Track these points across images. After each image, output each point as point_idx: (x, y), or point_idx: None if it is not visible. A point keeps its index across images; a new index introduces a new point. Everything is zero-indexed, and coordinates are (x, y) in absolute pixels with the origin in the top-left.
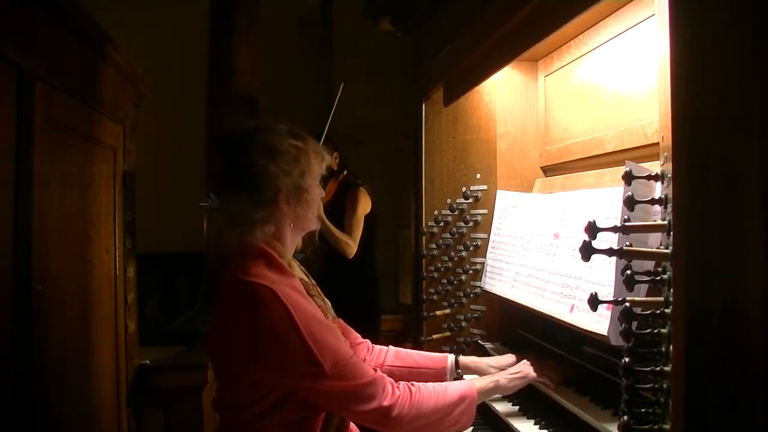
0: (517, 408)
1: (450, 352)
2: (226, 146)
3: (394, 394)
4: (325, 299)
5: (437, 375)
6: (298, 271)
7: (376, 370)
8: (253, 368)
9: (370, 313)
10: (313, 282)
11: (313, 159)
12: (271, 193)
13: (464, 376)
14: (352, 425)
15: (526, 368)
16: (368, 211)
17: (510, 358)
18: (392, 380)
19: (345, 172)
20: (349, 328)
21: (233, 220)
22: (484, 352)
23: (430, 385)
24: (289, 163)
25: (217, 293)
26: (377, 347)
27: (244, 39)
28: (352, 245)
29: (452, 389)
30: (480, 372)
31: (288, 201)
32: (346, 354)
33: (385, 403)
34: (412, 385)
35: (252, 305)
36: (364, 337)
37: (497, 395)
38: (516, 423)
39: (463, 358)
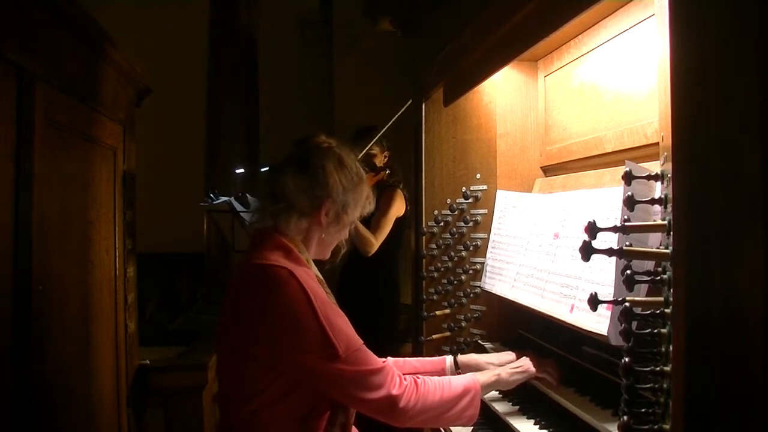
0: (517, 408)
1: (448, 352)
2: (305, 145)
3: (402, 384)
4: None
5: (437, 376)
6: (315, 268)
7: (384, 360)
8: (264, 349)
9: (389, 315)
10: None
11: (364, 199)
12: (323, 195)
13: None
14: (354, 428)
15: (526, 363)
16: (401, 214)
17: (509, 355)
18: (399, 372)
19: (387, 171)
20: None
21: (276, 196)
22: (483, 352)
23: (436, 378)
24: (349, 182)
25: (227, 286)
26: None
27: (245, 39)
28: (373, 244)
29: (456, 382)
30: (479, 369)
31: (329, 211)
32: (357, 340)
33: (394, 392)
34: (417, 377)
35: (268, 285)
36: (380, 340)
37: (497, 395)
38: (516, 423)
39: (461, 357)
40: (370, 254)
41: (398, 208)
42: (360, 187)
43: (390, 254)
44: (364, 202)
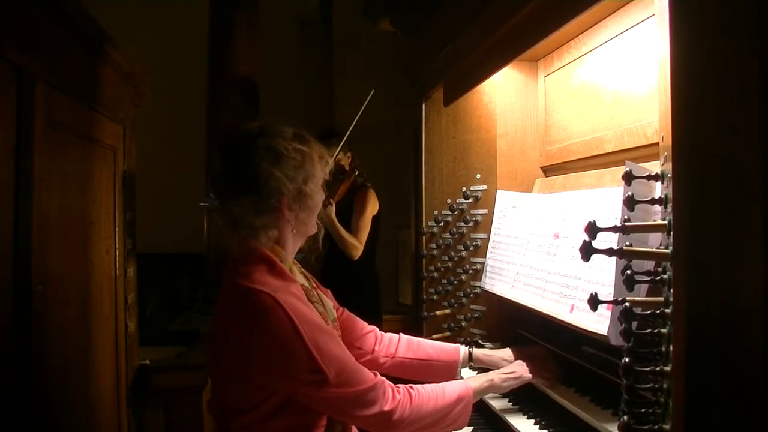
0: (517, 408)
1: (462, 344)
2: (229, 149)
3: (395, 398)
4: (326, 302)
5: (449, 368)
6: (300, 276)
7: (375, 375)
8: (254, 375)
9: (371, 312)
10: (314, 285)
11: (317, 164)
12: (275, 199)
13: (475, 370)
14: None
15: (520, 369)
16: (376, 212)
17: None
18: (392, 384)
19: (356, 173)
20: (356, 318)
21: (234, 226)
22: None
23: (429, 386)
24: (293, 168)
25: (217, 295)
26: (387, 335)
27: (245, 39)
28: (358, 247)
29: (449, 390)
30: (494, 365)
31: (290, 206)
32: (349, 360)
33: (386, 408)
34: (411, 387)
35: (254, 313)
36: None
37: (497, 396)
38: (516, 423)
39: (476, 351)
40: (356, 258)
41: (373, 206)
42: (307, 163)
43: (368, 252)
44: (320, 166)
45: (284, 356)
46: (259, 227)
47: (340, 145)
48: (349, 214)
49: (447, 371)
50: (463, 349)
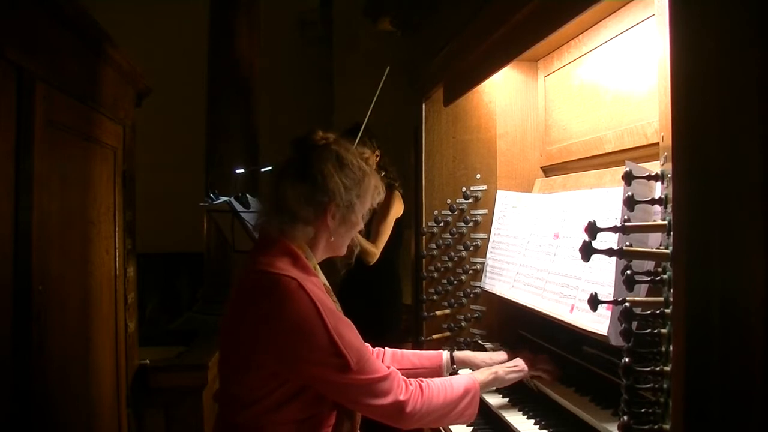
0: (517, 408)
1: (443, 349)
2: (303, 145)
3: (408, 389)
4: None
5: (434, 373)
6: (322, 275)
7: (389, 367)
8: (272, 359)
9: (387, 320)
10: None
11: (371, 190)
12: (326, 199)
13: (459, 371)
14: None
15: (521, 363)
16: (400, 215)
17: (502, 355)
18: (404, 377)
19: (383, 173)
20: None
21: (279, 208)
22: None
23: (438, 380)
24: (351, 180)
25: (236, 284)
26: (374, 350)
27: (245, 39)
28: (375, 253)
29: (457, 384)
30: (474, 366)
31: (334, 215)
32: (366, 350)
33: (401, 398)
34: (422, 381)
35: (278, 296)
36: (382, 339)
37: (497, 395)
38: (516, 423)
39: (457, 353)
40: (371, 264)
41: (397, 210)
42: (364, 182)
43: (390, 254)
44: (372, 194)
45: (306, 341)
46: (300, 217)
47: (359, 133)
48: (371, 216)
49: (432, 377)
50: (445, 354)
